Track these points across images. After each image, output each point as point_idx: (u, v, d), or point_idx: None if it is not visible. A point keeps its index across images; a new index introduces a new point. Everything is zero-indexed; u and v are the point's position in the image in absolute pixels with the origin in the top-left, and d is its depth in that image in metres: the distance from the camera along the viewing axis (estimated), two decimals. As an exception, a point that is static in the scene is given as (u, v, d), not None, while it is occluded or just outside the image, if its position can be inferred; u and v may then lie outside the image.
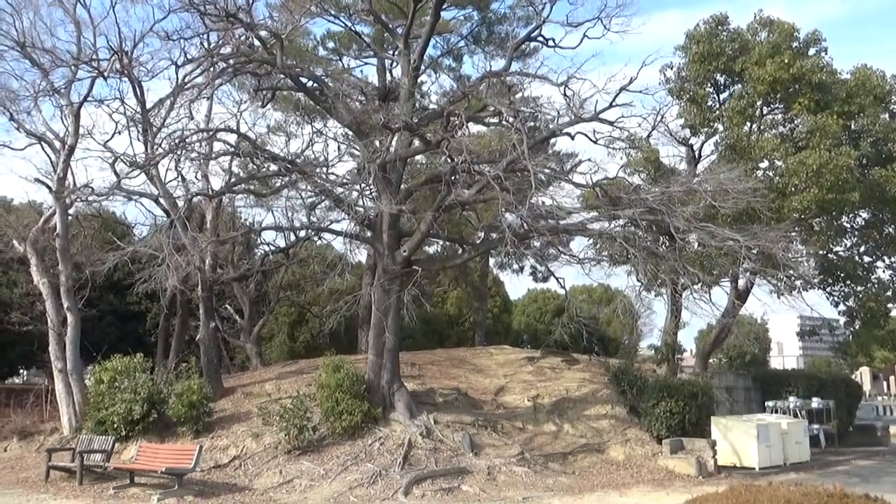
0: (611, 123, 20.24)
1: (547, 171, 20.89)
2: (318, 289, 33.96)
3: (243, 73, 19.98)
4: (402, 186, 22.33)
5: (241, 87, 26.99)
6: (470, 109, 19.86)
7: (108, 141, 25.19)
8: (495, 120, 19.80)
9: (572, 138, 21.06)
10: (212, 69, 19.54)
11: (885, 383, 65.36)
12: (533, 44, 25.22)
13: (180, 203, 23.85)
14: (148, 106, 23.64)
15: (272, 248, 31.46)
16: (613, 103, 19.82)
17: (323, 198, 21.21)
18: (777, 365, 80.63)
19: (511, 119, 18.38)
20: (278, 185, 21.30)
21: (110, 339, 30.80)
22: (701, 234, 18.92)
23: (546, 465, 20.14)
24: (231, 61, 19.51)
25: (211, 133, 20.99)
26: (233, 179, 24.79)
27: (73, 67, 24.99)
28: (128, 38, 23.37)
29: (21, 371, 41.77)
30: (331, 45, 33.17)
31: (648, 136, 27.49)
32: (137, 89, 23.78)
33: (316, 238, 29.19)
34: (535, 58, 27.24)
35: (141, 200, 26.91)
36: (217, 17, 19.06)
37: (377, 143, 21.33)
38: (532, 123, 21.68)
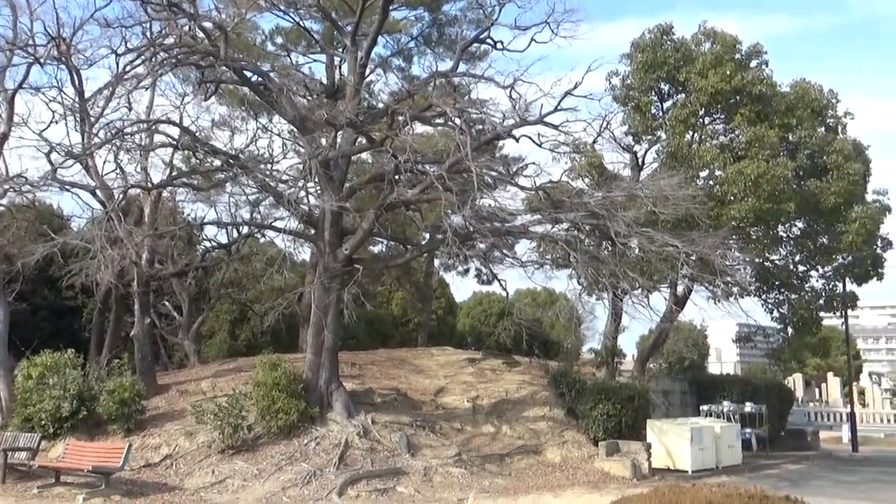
0: (555, 127, 20.16)
1: (493, 173, 20.68)
2: (260, 286, 33.19)
3: (186, 64, 19.37)
4: (346, 185, 21.95)
5: (186, 79, 26.27)
6: (415, 108, 19.58)
7: (43, 130, 24.19)
8: (441, 120, 19.44)
9: (517, 140, 21.01)
10: (153, 59, 18.89)
11: (816, 390, 66.81)
12: (483, 47, 25.16)
13: (117, 195, 23.17)
14: (86, 95, 22.89)
15: (214, 244, 30.84)
16: (558, 107, 19.77)
17: (266, 194, 20.72)
18: (715, 370, 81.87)
19: (456, 119, 18.14)
20: (220, 179, 20.72)
21: (43, 334, 29.65)
22: (641, 240, 18.96)
23: (483, 467, 19.98)
24: (174, 52, 18.84)
25: (151, 124, 20.31)
26: (174, 173, 24.05)
27: (7, 53, 24.04)
28: (67, 24, 22.45)
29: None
30: (279, 40, 32.43)
31: (594, 142, 27.59)
32: (75, 77, 22.96)
33: (259, 235, 28.63)
34: (484, 61, 27.12)
35: (77, 192, 25.89)
36: (160, 5, 18.50)
37: (322, 140, 20.90)
38: (479, 126, 21.39)
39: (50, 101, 24.14)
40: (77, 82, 22.77)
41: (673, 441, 22.00)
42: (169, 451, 19.99)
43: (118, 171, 24.22)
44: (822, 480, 21.84)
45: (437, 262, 41.59)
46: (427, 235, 25.46)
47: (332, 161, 20.34)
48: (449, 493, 17.50)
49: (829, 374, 60.31)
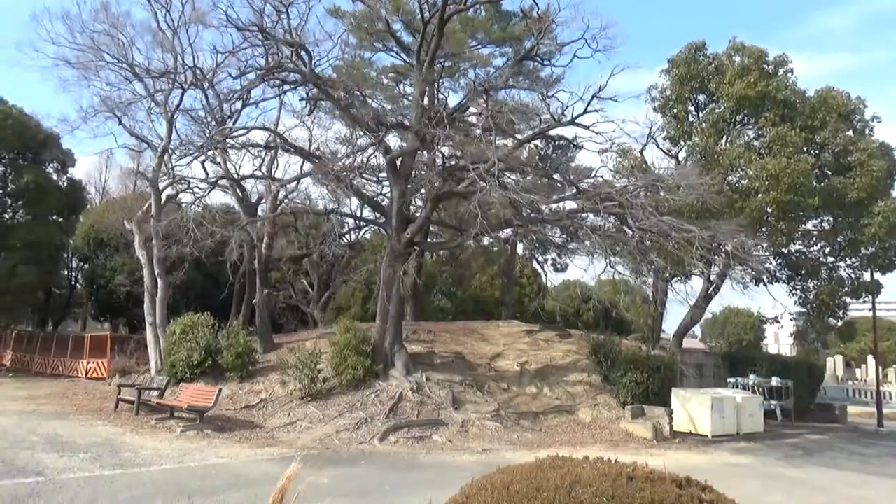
0: (587, 127, 17.74)
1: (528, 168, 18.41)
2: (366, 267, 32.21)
3: (275, 79, 18.20)
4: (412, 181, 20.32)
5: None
6: (452, 109, 17.63)
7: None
8: (473, 119, 17.42)
9: (554, 141, 18.64)
10: (245, 78, 17.83)
11: (857, 370, 59.49)
12: (534, 64, 22.85)
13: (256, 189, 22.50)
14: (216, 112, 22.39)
15: (335, 235, 30.28)
16: (587, 109, 17.32)
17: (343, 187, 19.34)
18: (773, 351, 75.01)
19: (486, 118, 16.10)
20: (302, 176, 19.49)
21: (197, 303, 29.92)
22: (661, 225, 16.22)
23: (518, 422, 17.86)
24: (265, 70, 17.76)
25: (247, 130, 19.24)
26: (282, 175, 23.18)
27: (170, 82, 24.06)
28: (199, 54, 22.15)
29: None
30: (392, 74, 31.52)
31: (642, 149, 24.97)
32: (205, 97, 22.55)
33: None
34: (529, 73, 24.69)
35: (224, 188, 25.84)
36: (253, 33, 17.52)
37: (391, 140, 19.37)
38: (518, 125, 19.27)
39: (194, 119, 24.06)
40: (206, 101, 22.30)
41: (695, 408, 19.04)
42: (266, 395, 19.13)
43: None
44: (838, 452, 18.25)
45: (520, 251, 39.70)
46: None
47: (397, 159, 18.76)
48: (477, 444, 15.57)
49: (869, 357, 53.26)
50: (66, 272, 43.56)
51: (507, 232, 34.61)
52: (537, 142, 33.50)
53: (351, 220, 30.55)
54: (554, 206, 18.31)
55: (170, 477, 11.37)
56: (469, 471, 11.70)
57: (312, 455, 13.80)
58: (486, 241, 39.20)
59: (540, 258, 42.01)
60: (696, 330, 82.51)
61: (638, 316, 48.17)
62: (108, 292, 36.64)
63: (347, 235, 33.86)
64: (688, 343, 66.06)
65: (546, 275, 38.40)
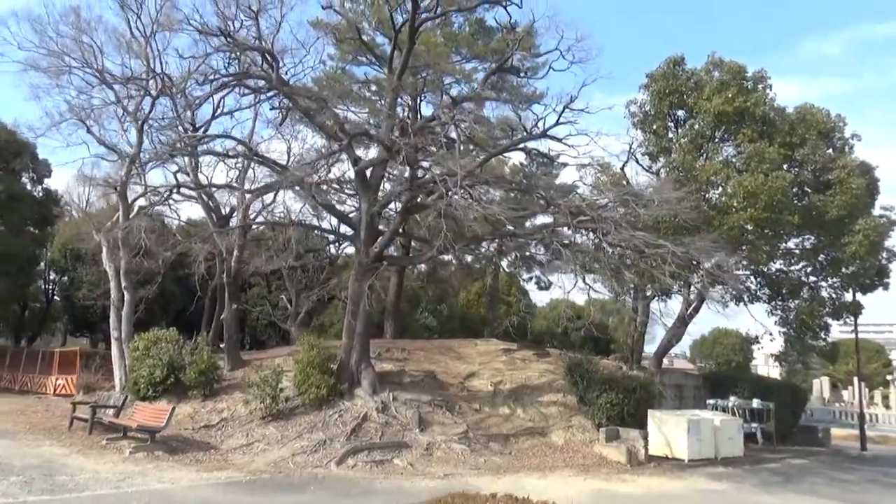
0: (560, 140, 17.17)
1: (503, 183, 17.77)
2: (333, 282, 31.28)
3: (242, 86, 17.53)
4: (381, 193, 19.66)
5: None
6: (423, 121, 17.04)
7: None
8: (440, 129, 16.73)
9: (527, 154, 18.07)
10: (213, 83, 17.14)
11: (844, 392, 58.77)
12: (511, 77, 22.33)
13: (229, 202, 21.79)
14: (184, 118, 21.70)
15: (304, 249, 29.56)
16: (559, 121, 16.75)
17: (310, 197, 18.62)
18: (763, 373, 74.17)
19: (452, 131, 15.50)
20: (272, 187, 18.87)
21: (168, 318, 29.11)
22: (633, 241, 15.56)
23: (486, 445, 17.05)
24: (229, 76, 17.09)
25: (203, 139, 18.50)
26: (254, 186, 22.44)
27: (140, 89, 23.42)
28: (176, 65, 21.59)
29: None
30: (374, 87, 30.99)
31: (623, 166, 24.47)
32: (174, 105, 21.83)
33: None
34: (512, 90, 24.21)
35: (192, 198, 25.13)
36: (217, 37, 16.93)
37: (358, 153, 18.74)
38: (486, 138, 18.70)
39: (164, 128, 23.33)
40: (176, 109, 21.57)
41: (671, 431, 18.26)
42: (227, 415, 18.29)
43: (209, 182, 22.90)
44: (819, 477, 17.50)
45: (505, 266, 39.08)
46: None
47: (366, 170, 18.11)
48: (440, 468, 14.75)
49: (856, 379, 52.66)
50: (42, 285, 42.64)
51: (489, 248, 34.10)
52: (521, 159, 33.01)
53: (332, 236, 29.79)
54: (530, 222, 17.62)
55: (99, 504, 10.54)
56: (424, 498, 10.93)
57: (262, 480, 12.99)
58: (468, 258, 38.74)
59: (525, 276, 41.54)
60: (686, 350, 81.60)
61: (623, 336, 47.48)
62: (84, 306, 35.79)
63: (329, 250, 33.15)
64: (678, 363, 65.16)
65: (527, 293, 37.78)
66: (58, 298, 42.15)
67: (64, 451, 15.37)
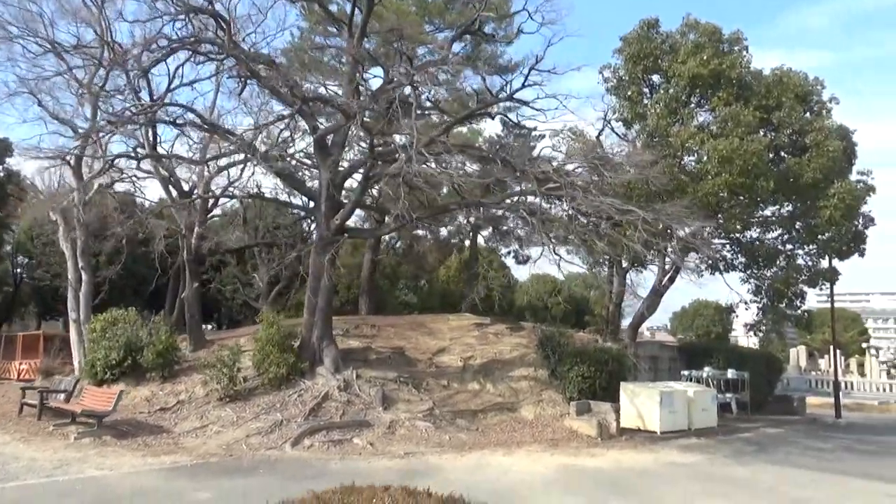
0: (526, 103, 16.27)
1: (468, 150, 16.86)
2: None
3: (194, 52, 16.36)
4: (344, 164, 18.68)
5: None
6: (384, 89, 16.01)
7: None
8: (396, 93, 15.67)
9: (492, 118, 17.16)
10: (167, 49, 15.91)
11: (821, 361, 59.14)
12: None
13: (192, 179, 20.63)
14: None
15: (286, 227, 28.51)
16: (525, 83, 15.84)
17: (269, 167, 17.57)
18: (743, 343, 74.49)
19: (407, 88, 14.53)
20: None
21: (126, 297, 27.97)
22: (601, 206, 14.77)
23: (452, 422, 16.34)
24: (182, 41, 15.88)
25: (157, 107, 17.22)
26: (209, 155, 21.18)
27: (91, 60, 22.05)
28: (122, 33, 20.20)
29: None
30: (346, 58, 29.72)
31: (599, 133, 23.64)
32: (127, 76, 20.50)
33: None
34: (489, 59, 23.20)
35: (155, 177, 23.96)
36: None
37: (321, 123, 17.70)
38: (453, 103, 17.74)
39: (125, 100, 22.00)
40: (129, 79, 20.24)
41: (644, 403, 17.68)
42: (185, 397, 17.44)
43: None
44: (792, 446, 17.03)
45: (481, 242, 38.35)
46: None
47: (325, 138, 17.10)
48: (401, 446, 14.04)
49: (831, 348, 52.87)
50: (10, 268, 41.31)
51: (467, 222, 33.23)
52: (498, 130, 31.88)
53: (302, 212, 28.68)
54: (509, 195, 16.75)
55: (21, 495, 9.70)
56: (379, 480, 10.19)
57: (209, 464, 12.19)
58: (443, 232, 37.88)
59: (503, 250, 40.84)
60: (667, 322, 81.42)
61: (599, 308, 46.98)
62: (54, 289, 34.57)
63: (301, 226, 32.13)
64: (660, 336, 64.99)
65: (506, 268, 37.07)
66: (28, 281, 40.85)
67: (6, 438, 14.51)
